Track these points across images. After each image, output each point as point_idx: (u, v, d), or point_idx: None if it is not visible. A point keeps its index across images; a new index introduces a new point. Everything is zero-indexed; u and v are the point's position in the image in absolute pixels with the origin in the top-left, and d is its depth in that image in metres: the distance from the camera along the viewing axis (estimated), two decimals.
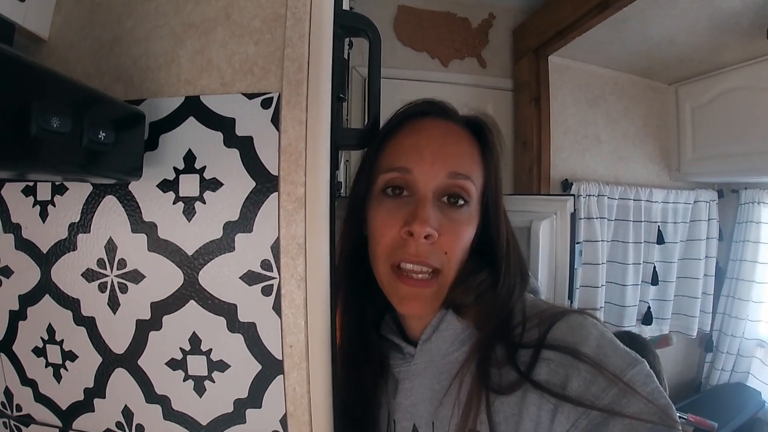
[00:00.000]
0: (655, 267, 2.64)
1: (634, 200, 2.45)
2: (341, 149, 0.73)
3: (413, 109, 0.70)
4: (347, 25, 0.73)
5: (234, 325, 0.59)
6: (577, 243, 2.00)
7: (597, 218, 2.26)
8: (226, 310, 0.59)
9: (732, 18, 1.88)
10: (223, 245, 0.59)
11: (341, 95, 0.71)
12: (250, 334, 0.59)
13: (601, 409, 0.47)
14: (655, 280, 2.56)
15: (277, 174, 0.58)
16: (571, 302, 1.73)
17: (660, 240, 2.65)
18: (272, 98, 0.60)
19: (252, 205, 0.59)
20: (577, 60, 2.42)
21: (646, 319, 2.47)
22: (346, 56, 1.84)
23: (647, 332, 2.49)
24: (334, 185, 0.61)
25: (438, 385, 0.65)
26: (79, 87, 0.48)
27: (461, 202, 0.63)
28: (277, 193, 0.58)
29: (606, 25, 1.87)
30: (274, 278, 0.58)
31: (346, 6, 0.78)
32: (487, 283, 0.65)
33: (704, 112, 2.59)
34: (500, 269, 0.64)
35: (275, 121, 0.60)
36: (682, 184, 2.81)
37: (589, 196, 2.27)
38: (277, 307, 0.58)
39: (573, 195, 1.83)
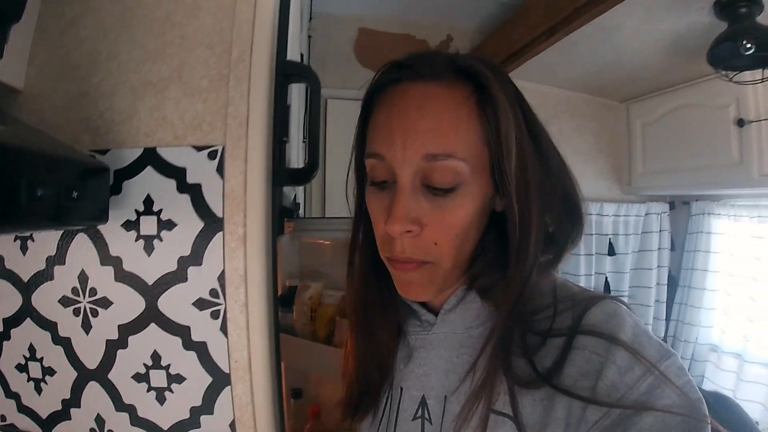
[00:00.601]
0: (606, 278, 2.76)
1: None
2: (284, 186, 0.84)
3: (384, 78, 0.58)
4: (290, 73, 0.83)
5: (188, 344, 0.71)
6: None
7: None
8: (182, 331, 0.71)
9: (677, 40, 1.96)
10: (178, 276, 0.70)
11: (284, 138, 0.82)
12: (202, 351, 0.70)
13: (633, 407, 0.45)
14: (607, 290, 2.69)
15: (221, 216, 0.70)
16: None
17: (611, 252, 2.77)
18: (217, 150, 0.71)
19: (201, 242, 0.70)
20: (531, 81, 2.48)
21: None
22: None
23: None
24: (275, 222, 0.72)
25: (457, 359, 0.60)
26: (58, 158, 0.59)
27: (446, 188, 0.53)
28: (222, 232, 0.69)
29: (556, 48, 1.96)
30: (220, 304, 0.69)
31: (298, 30, 0.88)
32: (503, 261, 0.56)
33: (654, 129, 2.69)
34: (513, 244, 0.54)
35: (220, 170, 0.71)
36: (634, 197, 2.90)
37: None
38: (224, 329, 0.70)
39: None
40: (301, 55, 1.49)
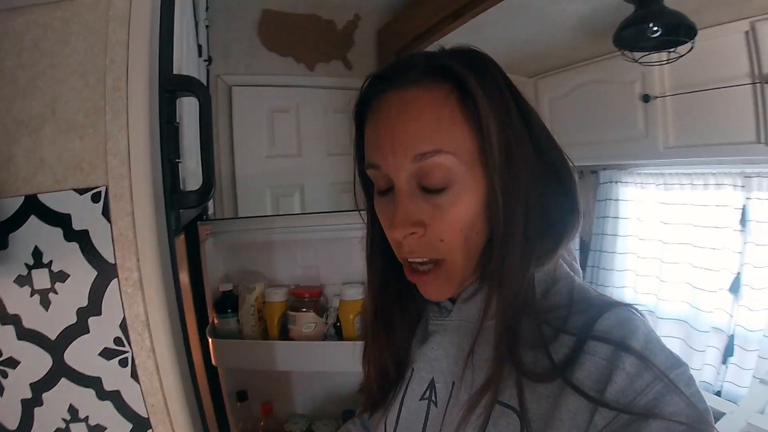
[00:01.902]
0: None
1: None
2: (181, 209, 0.80)
3: (368, 92, 0.61)
4: (175, 88, 0.78)
5: (102, 394, 0.68)
6: None
7: None
8: (93, 383, 0.68)
9: (585, 20, 1.98)
10: (79, 328, 0.67)
11: (176, 159, 0.77)
12: (117, 400, 0.68)
13: (641, 413, 0.45)
14: None
15: (114, 262, 0.66)
16: None
17: None
18: (101, 192, 0.67)
19: (97, 291, 0.67)
20: None
21: None
22: (206, 71, 1.84)
23: None
24: (174, 258, 0.69)
25: (468, 347, 0.60)
26: None
27: (440, 187, 0.54)
28: (117, 278, 0.66)
29: (464, 29, 1.91)
30: (127, 351, 0.67)
31: (192, 26, 0.82)
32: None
33: (562, 103, 2.69)
34: (497, 235, 0.55)
35: (106, 213, 0.67)
36: None
37: None
38: (134, 375, 0.67)
39: None
40: (200, 46, 1.41)
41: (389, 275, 0.68)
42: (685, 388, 0.47)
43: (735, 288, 2.11)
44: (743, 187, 2.07)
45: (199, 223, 1.15)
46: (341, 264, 1.48)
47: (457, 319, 0.63)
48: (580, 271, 0.65)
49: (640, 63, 1.83)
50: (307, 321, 1.33)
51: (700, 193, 2.26)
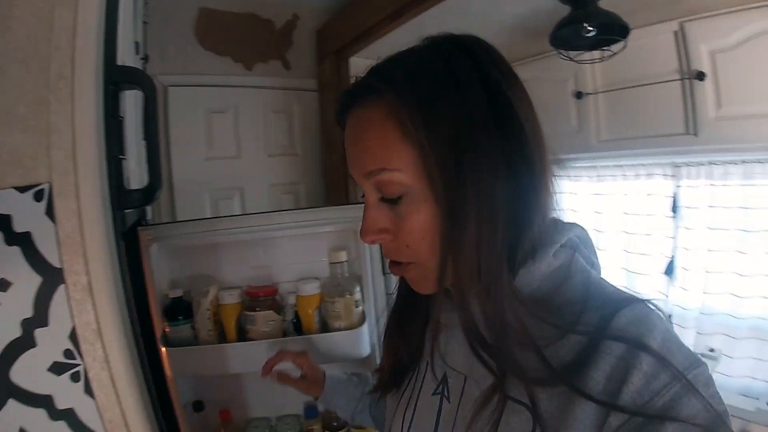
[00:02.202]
0: None
1: None
2: (127, 209, 0.74)
3: (338, 110, 0.62)
4: (121, 80, 0.73)
5: (54, 413, 0.62)
6: None
7: None
8: (44, 402, 0.62)
9: (520, 21, 2.05)
10: (25, 342, 0.61)
11: (121, 156, 0.72)
12: (71, 419, 0.62)
13: (657, 415, 0.45)
14: None
15: (60, 266, 0.60)
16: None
17: None
18: (44, 190, 0.61)
19: (43, 299, 0.60)
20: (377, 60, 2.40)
21: None
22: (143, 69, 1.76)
23: None
24: (124, 264, 0.64)
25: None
26: None
27: (395, 197, 0.55)
28: (64, 284, 0.60)
29: (404, 29, 1.89)
30: (78, 364, 0.61)
31: (131, 21, 0.76)
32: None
33: None
34: (444, 245, 0.55)
35: (50, 213, 0.61)
36: None
37: None
38: (88, 390, 0.61)
39: None
40: (137, 44, 1.34)
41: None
42: (703, 389, 0.46)
43: (669, 270, 2.21)
44: (673, 176, 2.18)
45: (139, 228, 1.08)
46: (293, 262, 1.46)
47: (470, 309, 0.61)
48: (599, 264, 0.64)
49: (576, 61, 1.89)
50: (266, 319, 1.31)
51: (632, 183, 2.36)
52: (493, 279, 0.52)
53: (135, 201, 0.71)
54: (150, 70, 1.99)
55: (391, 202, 0.56)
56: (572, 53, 1.87)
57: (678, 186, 2.16)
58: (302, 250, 1.57)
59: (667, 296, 2.23)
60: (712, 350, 2.02)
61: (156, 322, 0.79)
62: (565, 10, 1.75)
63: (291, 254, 1.46)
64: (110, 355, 0.60)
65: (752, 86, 1.67)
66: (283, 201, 2.37)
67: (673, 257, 2.21)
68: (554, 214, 0.58)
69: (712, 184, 2.04)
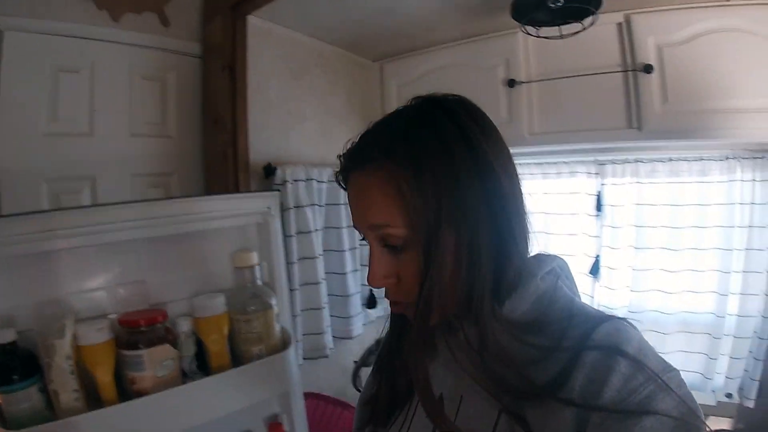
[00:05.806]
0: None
1: None
2: None
3: (341, 170, 0.69)
4: None
5: None
6: (289, 236, 1.80)
7: (308, 206, 1.93)
8: None
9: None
10: None
11: None
12: None
13: (634, 410, 0.49)
14: None
15: None
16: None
17: None
18: None
19: None
20: (281, 24, 2.02)
21: (370, 302, 2.33)
22: None
23: (373, 315, 2.35)
24: None
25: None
26: None
27: (395, 248, 0.64)
28: None
29: None
30: None
31: None
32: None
33: (412, 89, 2.59)
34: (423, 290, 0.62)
35: None
36: None
37: (297, 181, 1.90)
38: None
39: (279, 188, 1.70)
40: None
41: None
42: (677, 389, 0.51)
43: (595, 270, 2.24)
44: (597, 174, 2.21)
45: None
46: (181, 270, 1.17)
47: (463, 335, 0.67)
48: (579, 293, 0.71)
49: (539, 37, 1.77)
50: (160, 358, 0.97)
51: (553, 182, 2.36)
52: (479, 308, 0.60)
53: None
54: None
55: (395, 250, 0.63)
56: (533, 29, 1.75)
57: (603, 184, 2.18)
58: (193, 254, 1.23)
59: (592, 297, 2.23)
60: None
61: None
62: None
63: (177, 261, 1.17)
64: None
65: (700, 82, 1.68)
66: (150, 196, 1.76)
67: (598, 257, 2.22)
68: (535, 250, 0.67)
69: (638, 182, 2.07)
